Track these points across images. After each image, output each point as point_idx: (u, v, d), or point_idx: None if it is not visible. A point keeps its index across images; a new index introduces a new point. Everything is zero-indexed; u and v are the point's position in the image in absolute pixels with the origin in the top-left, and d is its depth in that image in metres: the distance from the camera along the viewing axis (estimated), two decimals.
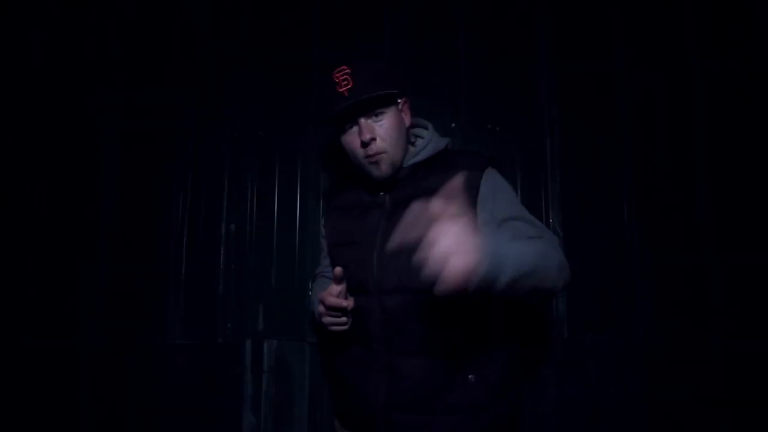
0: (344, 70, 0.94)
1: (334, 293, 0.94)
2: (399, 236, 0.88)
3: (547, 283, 0.80)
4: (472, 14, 1.56)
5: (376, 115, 0.98)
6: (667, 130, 1.51)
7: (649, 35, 1.54)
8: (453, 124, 1.53)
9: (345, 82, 0.93)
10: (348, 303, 0.93)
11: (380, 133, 0.97)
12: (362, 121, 0.96)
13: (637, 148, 1.50)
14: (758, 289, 1.41)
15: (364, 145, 0.97)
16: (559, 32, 1.55)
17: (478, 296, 0.71)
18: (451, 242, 0.65)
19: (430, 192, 0.90)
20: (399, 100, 1.03)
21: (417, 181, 1.00)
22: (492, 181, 0.96)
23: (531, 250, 0.79)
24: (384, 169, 0.99)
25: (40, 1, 1.57)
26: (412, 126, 1.08)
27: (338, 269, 0.92)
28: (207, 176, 1.53)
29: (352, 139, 0.99)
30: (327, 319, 0.97)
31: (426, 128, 1.10)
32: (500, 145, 1.51)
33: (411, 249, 0.86)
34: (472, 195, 0.92)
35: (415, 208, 0.88)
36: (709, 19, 1.53)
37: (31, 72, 1.55)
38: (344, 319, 0.96)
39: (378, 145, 0.97)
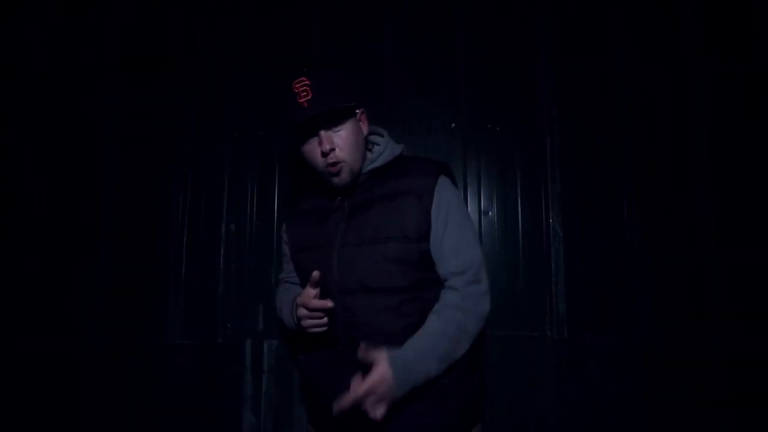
0: (303, 81, 0.97)
1: (312, 296, 0.96)
2: (357, 238, 0.99)
3: (463, 348, 0.97)
4: (472, 14, 1.56)
5: (336, 126, 1.01)
6: (667, 130, 1.51)
7: (649, 35, 1.54)
8: (453, 124, 1.53)
9: (304, 93, 0.96)
10: (330, 304, 0.96)
11: (339, 143, 1.01)
12: (322, 132, 1.00)
13: (637, 148, 1.50)
14: (758, 289, 1.41)
15: (324, 155, 1.00)
16: (559, 32, 1.55)
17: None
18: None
19: (386, 197, 1.02)
20: (357, 111, 1.06)
21: (374, 186, 1.05)
22: (443, 188, 1.02)
23: (441, 347, 0.94)
24: (344, 177, 1.02)
25: (40, 1, 1.57)
26: (370, 134, 1.11)
27: (316, 273, 0.95)
28: (207, 176, 1.53)
29: (312, 148, 1.02)
30: (308, 322, 0.99)
31: (382, 135, 1.13)
32: (500, 145, 1.51)
33: (369, 249, 0.98)
34: (426, 201, 0.99)
35: (373, 212, 1.00)
36: (709, 19, 1.53)
37: (31, 72, 1.55)
38: (325, 320, 0.98)
39: (337, 154, 1.00)
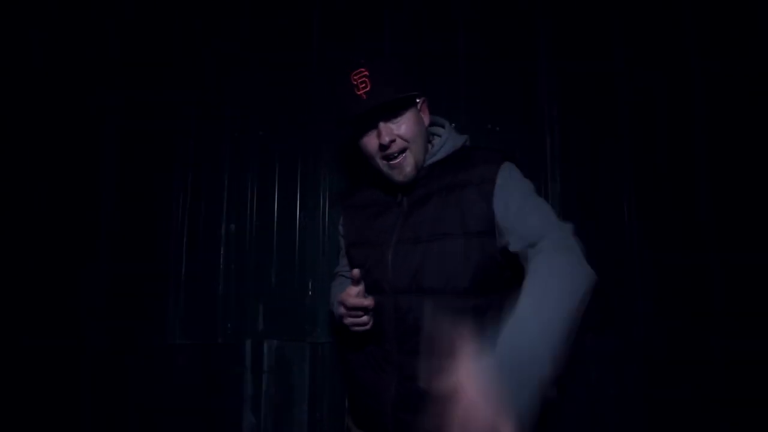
0: (362, 72, 0.92)
1: (352, 294, 0.94)
2: (413, 235, 0.94)
3: (582, 309, 0.73)
4: (472, 14, 1.56)
5: (396, 117, 0.96)
6: (667, 130, 1.51)
7: (649, 35, 1.54)
8: (453, 124, 1.50)
9: (363, 85, 0.92)
10: (369, 302, 0.93)
11: (400, 134, 0.96)
12: (381, 124, 0.95)
13: (637, 148, 1.50)
14: (758, 289, 1.41)
15: (384, 147, 0.96)
16: (559, 32, 1.55)
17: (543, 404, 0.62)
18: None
19: (444, 190, 0.95)
20: (417, 100, 1.02)
21: (434, 180, 1.00)
22: (507, 174, 0.93)
23: (556, 315, 0.68)
24: (405, 172, 0.98)
25: (40, 1, 1.57)
26: (431, 124, 1.07)
27: (356, 271, 0.93)
28: (207, 176, 1.53)
29: (370, 140, 0.98)
30: (349, 320, 0.97)
31: (443, 126, 1.09)
32: (500, 145, 1.51)
33: (425, 247, 0.91)
34: (486, 188, 0.91)
35: (430, 206, 0.94)
36: (709, 19, 1.53)
37: (31, 72, 1.55)
38: (365, 318, 0.95)
39: (398, 146, 0.96)
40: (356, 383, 1.05)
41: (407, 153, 0.97)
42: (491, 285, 0.90)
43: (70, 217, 1.50)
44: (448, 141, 1.04)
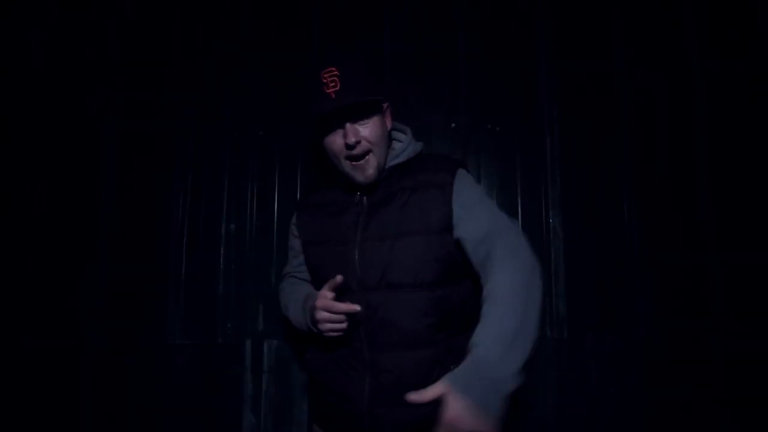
0: (333, 71, 0.94)
1: (328, 298, 0.94)
2: (378, 232, 0.97)
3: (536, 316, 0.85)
4: (472, 14, 1.56)
5: (362, 119, 0.99)
6: (667, 130, 1.51)
7: (649, 35, 1.54)
8: (453, 124, 1.52)
9: (333, 84, 0.93)
10: (358, 307, 0.93)
11: (365, 135, 0.99)
12: (348, 125, 0.98)
13: (637, 148, 1.50)
14: (758, 289, 1.41)
15: (350, 147, 0.98)
16: (559, 32, 1.55)
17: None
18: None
19: (406, 191, 1.00)
20: (383, 105, 1.05)
21: (395, 182, 1.04)
22: (463, 178, 1.01)
23: (511, 322, 0.81)
24: (368, 172, 1.00)
25: (40, 1, 1.57)
26: (392, 129, 1.11)
27: (339, 277, 0.93)
28: (207, 176, 1.53)
29: (335, 140, 1.00)
30: (328, 326, 0.96)
31: (404, 132, 1.12)
32: (500, 145, 1.51)
33: (391, 244, 0.95)
34: (447, 191, 0.97)
35: (395, 206, 0.98)
36: (709, 19, 1.53)
37: (31, 72, 1.55)
38: (346, 324, 0.96)
39: (363, 148, 0.99)
40: (326, 388, 1.04)
41: (370, 156, 1.00)
42: (452, 276, 0.97)
43: (70, 217, 1.50)
44: (409, 146, 1.08)
